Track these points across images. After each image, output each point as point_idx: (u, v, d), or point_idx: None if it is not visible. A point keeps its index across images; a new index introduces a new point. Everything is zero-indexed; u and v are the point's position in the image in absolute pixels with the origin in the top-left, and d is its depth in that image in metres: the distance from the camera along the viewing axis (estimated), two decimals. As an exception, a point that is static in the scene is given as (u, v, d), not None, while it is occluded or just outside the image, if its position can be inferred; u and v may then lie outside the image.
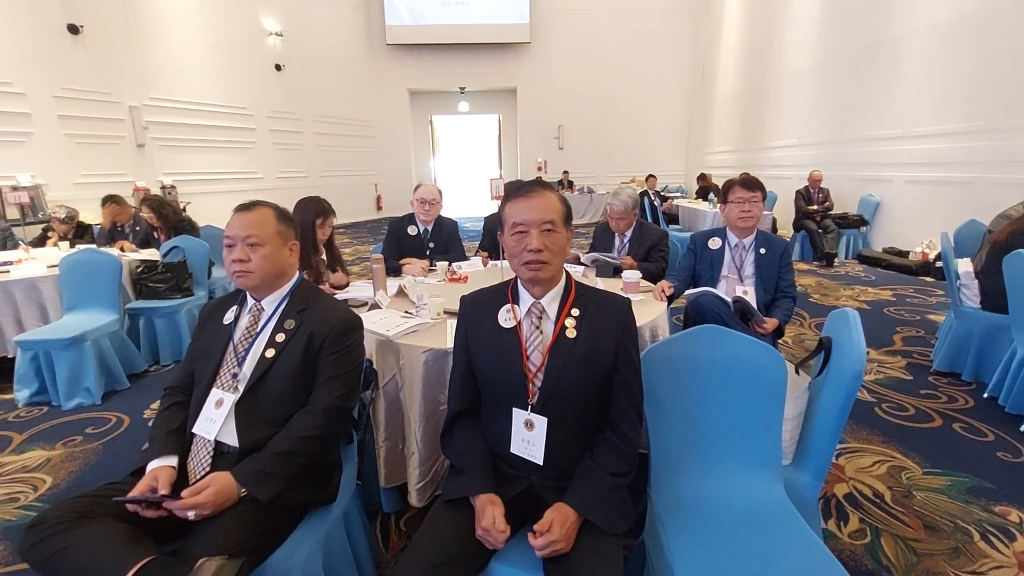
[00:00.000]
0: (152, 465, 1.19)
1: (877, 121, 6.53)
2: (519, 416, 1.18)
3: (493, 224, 3.32)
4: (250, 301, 1.36)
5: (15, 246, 4.37)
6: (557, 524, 1.05)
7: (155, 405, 2.92)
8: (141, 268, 3.63)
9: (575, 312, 1.20)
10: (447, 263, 2.70)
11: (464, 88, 12.36)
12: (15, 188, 5.65)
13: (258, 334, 1.32)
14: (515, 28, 11.49)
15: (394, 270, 2.75)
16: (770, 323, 2.17)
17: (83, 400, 2.94)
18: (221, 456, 1.23)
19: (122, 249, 3.97)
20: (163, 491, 1.12)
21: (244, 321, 1.35)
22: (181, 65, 8.06)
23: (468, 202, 14.28)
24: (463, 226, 11.01)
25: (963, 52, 5.28)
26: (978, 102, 5.15)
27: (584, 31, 11.71)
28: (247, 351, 1.30)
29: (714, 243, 2.48)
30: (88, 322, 3.07)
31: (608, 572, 1.01)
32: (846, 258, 6.63)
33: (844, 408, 1.30)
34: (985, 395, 2.68)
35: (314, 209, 2.37)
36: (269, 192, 9.59)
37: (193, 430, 1.25)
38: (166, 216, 3.99)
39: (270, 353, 1.28)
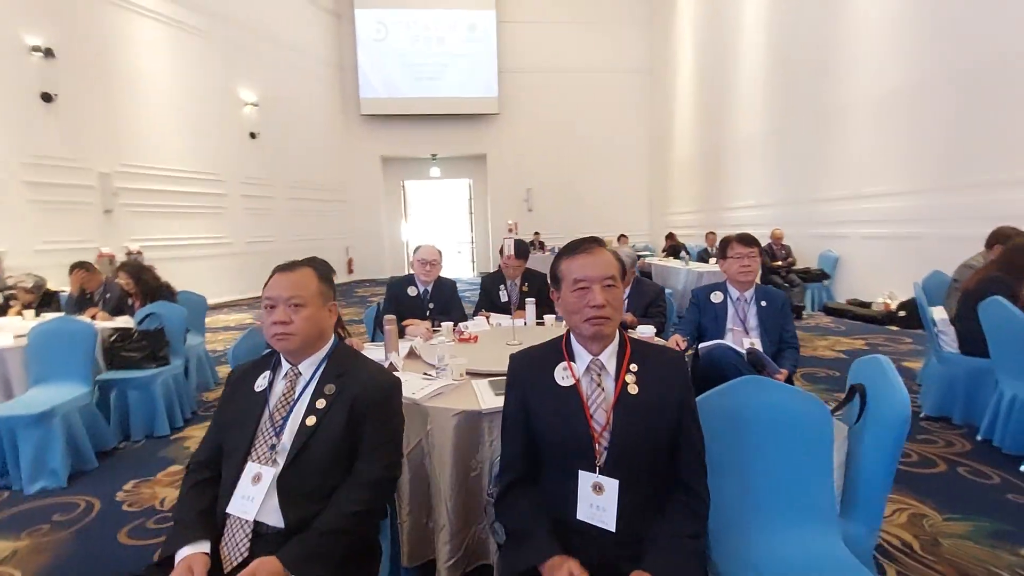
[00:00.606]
0: (182, 553, 1.07)
1: (830, 182, 7.08)
2: (586, 479, 1.13)
3: (490, 284, 3.34)
4: (285, 366, 1.29)
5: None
6: None
7: (128, 487, 2.67)
8: (115, 336, 3.42)
9: (634, 367, 1.19)
10: (452, 323, 2.67)
11: (435, 155, 12.78)
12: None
13: (296, 401, 1.24)
14: (484, 101, 12.13)
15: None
16: (782, 373, 2.22)
17: (48, 484, 2.65)
18: (259, 538, 1.12)
19: (93, 317, 3.75)
20: None
21: (279, 387, 1.27)
22: (156, 133, 8.05)
23: (451, 264, 14.35)
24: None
25: (900, 120, 5.89)
26: (918, 164, 5.69)
27: (549, 100, 12.47)
28: (285, 420, 1.22)
29: (716, 297, 2.56)
30: (57, 396, 2.83)
31: None
32: (812, 310, 6.94)
33: (895, 454, 1.31)
34: (979, 437, 2.77)
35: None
36: (238, 256, 9.40)
37: (228, 510, 1.14)
38: (145, 282, 3.82)
39: (311, 421, 1.21)
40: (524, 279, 3.27)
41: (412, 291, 2.98)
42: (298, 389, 1.26)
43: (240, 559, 1.09)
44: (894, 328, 5.70)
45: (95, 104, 7.22)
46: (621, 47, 12.65)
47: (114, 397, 3.27)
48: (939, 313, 3.21)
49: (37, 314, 3.90)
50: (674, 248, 9.49)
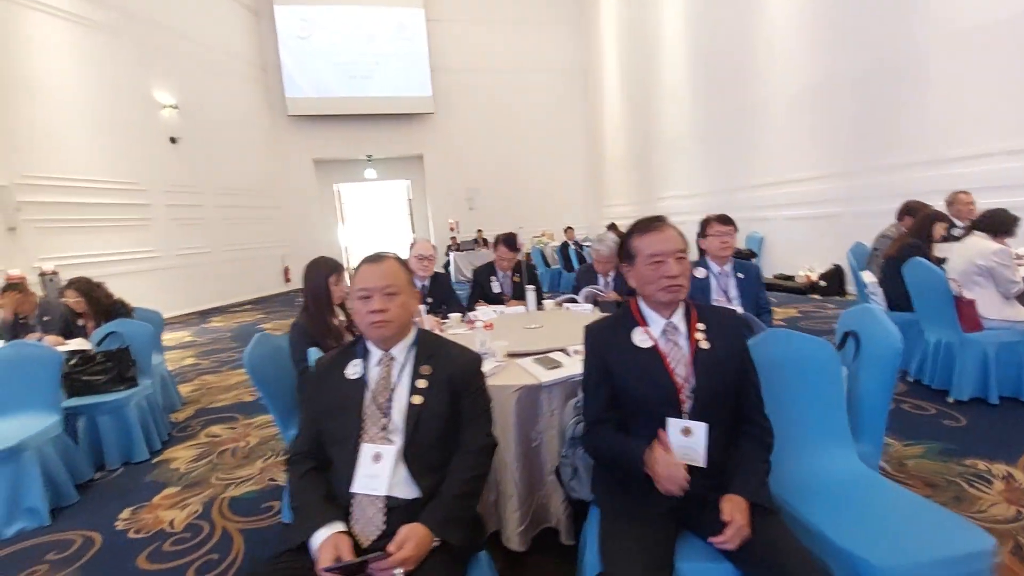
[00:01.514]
0: (320, 535, 1.11)
1: (753, 171, 7.79)
2: (675, 425, 1.30)
3: (482, 277, 3.43)
4: (377, 352, 1.35)
5: None
6: (738, 512, 1.17)
7: (124, 515, 2.50)
8: (74, 360, 3.15)
9: (701, 327, 1.38)
10: (459, 314, 2.75)
11: (371, 156, 12.51)
12: None
13: (396, 383, 1.31)
14: (419, 100, 12.04)
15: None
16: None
17: (27, 524, 2.43)
18: (392, 511, 1.18)
19: (39, 341, 3.41)
20: (350, 557, 1.06)
21: (375, 373, 1.33)
22: (63, 140, 7.28)
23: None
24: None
25: (812, 113, 6.62)
26: (830, 152, 6.43)
27: (484, 99, 12.60)
28: (389, 401, 1.28)
29: (700, 272, 2.83)
30: (24, 428, 2.59)
31: (795, 542, 1.14)
32: (746, 287, 7.62)
33: (890, 381, 1.60)
34: (910, 379, 3.27)
35: (327, 266, 2.32)
36: (169, 271, 8.73)
37: (354, 490, 1.19)
38: (97, 300, 3.53)
39: (417, 400, 1.28)
40: (515, 270, 3.39)
41: (410, 287, 3.01)
42: (395, 373, 1.32)
43: (378, 532, 1.15)
44: (816, 296, 6.42)
45: (-13, 110, 6.42)
46: (551, 46, 13.02)
47: (83, 425, 3.03)
48: (868, 277, 3.72)
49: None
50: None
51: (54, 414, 2.77)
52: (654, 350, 1.36)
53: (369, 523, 1.16)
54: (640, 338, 1.38)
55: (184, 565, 2.07)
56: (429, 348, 1.37)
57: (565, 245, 9.13)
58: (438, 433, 1.26)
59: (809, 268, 6.84)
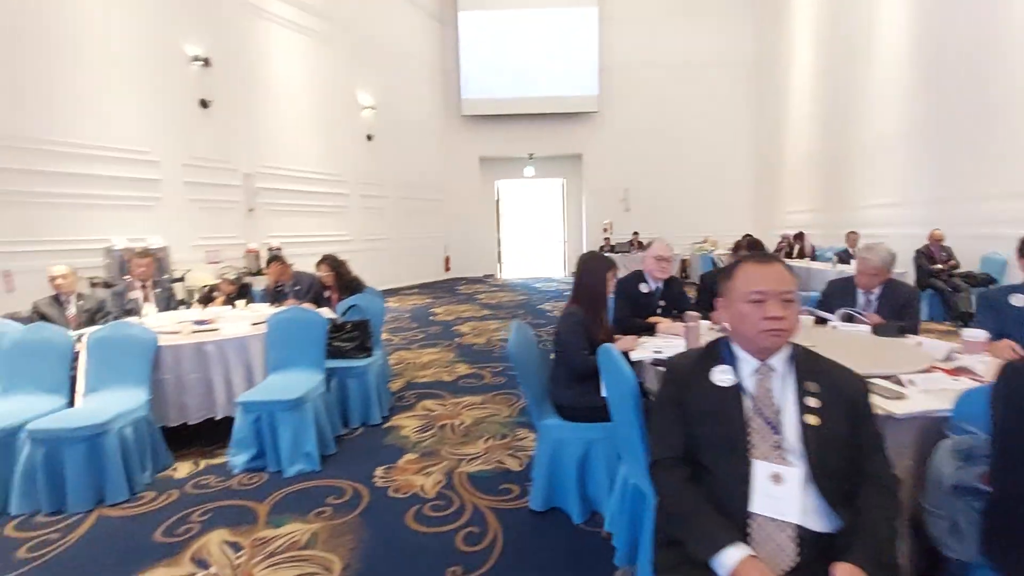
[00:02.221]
0: (733, 556, 1.02)
1: (992, 179, 6.44)
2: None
3: (711, 282, 3.22)
4: (750, 361, 1.23)
5: (176, 306, 4.40)
6: None
7: (379, 472, 2.75)
8: (328, 327, 3.57)
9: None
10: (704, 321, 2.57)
11: (532, 154, 12.80)
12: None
13: (782, 398, 1.18)
14: (583, 99, 12.03)
15: (641, 328, 2.63)
16: None
17: (304, 466, 2.79)
18: (803, 542, 1.06)
19: (297, 308, 3.94)
20: None
21: (751, 382, 1.22)
22: (288, 136, 8.51)
23: (533, 263, 14.38)
24: (534, 287, 11.02)
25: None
26: None
27: (650, 97, 12.19)
28: (778, 416, 1.16)
29: (1017, 300, 2.32)
30: (301, 382, 2.98)
31: None
32: (976, 318, 6.34)
33: None
34: None
35: (606, 262, 2.30)
36: (356, 253, 9.74)
37: (755, 510, 1.09)
38: (342, 275, 3.99)
39: (812, 420, 1.14)
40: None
41: (644, 288, 2.91)
42: (776, 386, 1.20)
43: (791, 564, 1.03)
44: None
45: (241, 109, 7.71)
46: (724, 38, 12.16)
47: (334, 386, 3.42)
48: None
49: (233, 305, 4.14)
50: (789, 248, 9.06)
51: (320, 373, 3.16)
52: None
53: (779, 552, 1.05)
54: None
55: (450, 532, 2.19)
56: (808, 363, 1.22)
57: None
58: (845, 460, 1.11)
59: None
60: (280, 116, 8.35)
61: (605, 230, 12.52)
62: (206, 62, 7.13)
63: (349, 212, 9.68)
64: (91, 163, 6.02)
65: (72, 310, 3.64)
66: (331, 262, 3.97)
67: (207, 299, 4.34)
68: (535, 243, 14.71)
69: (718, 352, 1.28)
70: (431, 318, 7.58)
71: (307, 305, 4.00)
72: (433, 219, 12.19)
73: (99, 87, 6.06)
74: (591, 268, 2.26)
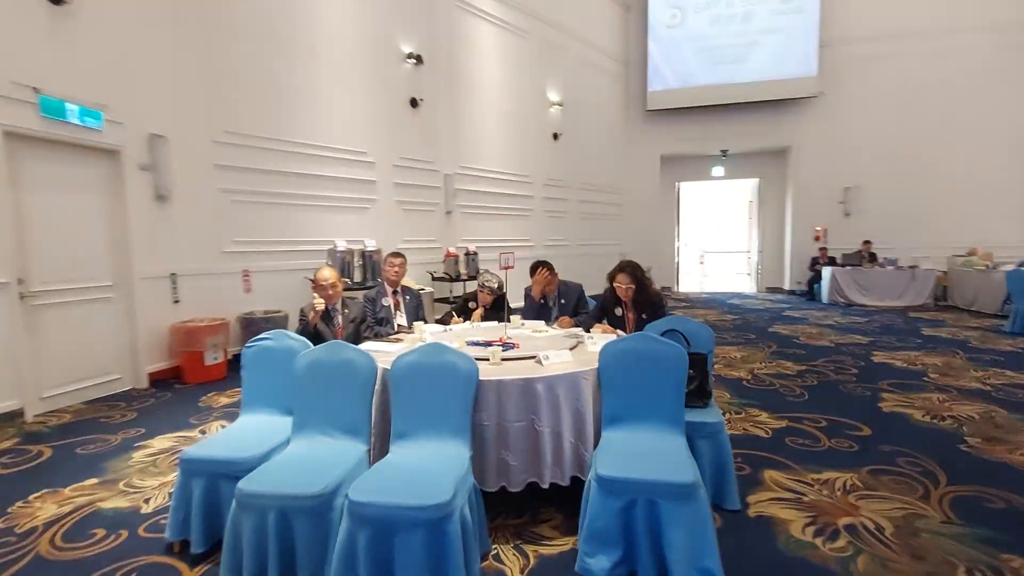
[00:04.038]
0: None
1: None
2: None
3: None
4: None
5: (422, 316, 3.79)
6: None
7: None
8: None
9: None
10: None
11: (726, 151, 11.18)
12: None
13: None
14: (797, 83, 10.15)
15: None
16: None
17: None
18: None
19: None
20: None
21: None
22: (486, 135, 8.04)
23: (716, 275, 12.72)
24: (733, 303, 9.41)
25: None
26: None
27: (885, 79, 9.93)
28: None
29: None
30: (666, 447, 2.00)
31: None
32: None
33: None
34: None
35: None
36: (536, 258, 9.06)
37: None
38: (645, 288, 3.02)
39: None
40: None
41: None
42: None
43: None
44: None
45: (445, 107, 7.34)
46: (990, -2, 9.52)
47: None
48: None
49: (499, 320, 3.39)
50: None
51: (678, 433, 2.17)
52: None
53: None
54: None
55: None
56: None
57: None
58: None
59: None
60: (480, 115, 7.90)
61: (817, 238, 10.48)
62: (418, 60, 6.83)
63: (533, 215, 9.00)
64: (323, 164, 5.90)
65: (339, 320, 3.10)
66: (633, 271, 3.01)
67: (463, 310, 3.66)
68: (720, 252, 12.97)
69: None
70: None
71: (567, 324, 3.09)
72: (608, 224, 11.13)
73: (329, 87, 5.94)
74: None
